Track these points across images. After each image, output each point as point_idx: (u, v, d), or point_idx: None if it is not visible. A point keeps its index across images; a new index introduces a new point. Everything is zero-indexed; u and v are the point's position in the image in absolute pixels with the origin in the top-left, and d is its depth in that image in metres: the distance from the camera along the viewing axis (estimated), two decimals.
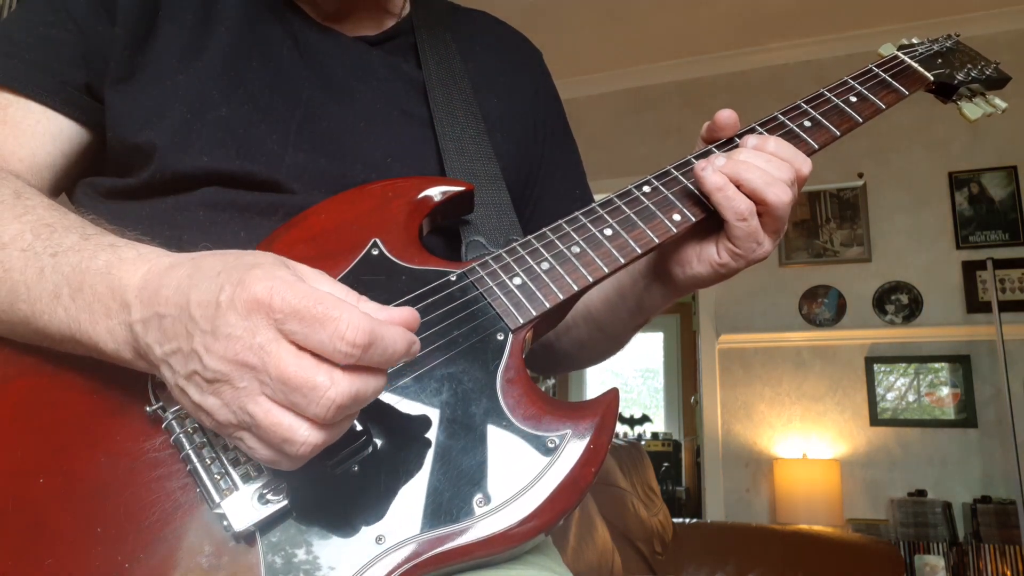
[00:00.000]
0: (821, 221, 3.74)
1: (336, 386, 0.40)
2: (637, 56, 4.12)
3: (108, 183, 0.68)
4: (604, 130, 4.12)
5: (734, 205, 0.60)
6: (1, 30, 0.68)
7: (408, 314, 0.45)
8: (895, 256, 3.60)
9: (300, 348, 0.41)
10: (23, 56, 0.66)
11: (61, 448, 0.49)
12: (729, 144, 0.68)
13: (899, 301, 3.55)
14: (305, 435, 0.41)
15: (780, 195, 0.60)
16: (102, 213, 0.59)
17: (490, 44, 0.87)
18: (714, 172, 0.61)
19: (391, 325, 0.43)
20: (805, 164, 0.63)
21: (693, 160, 0.67)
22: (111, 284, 0.47)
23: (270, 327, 0.41)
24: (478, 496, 0.49)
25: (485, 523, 0.48)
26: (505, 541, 0.48)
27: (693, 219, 0.63)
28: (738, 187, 0.61)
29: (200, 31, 0.70)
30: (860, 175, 3.70)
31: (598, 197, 0.68)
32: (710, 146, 0.68)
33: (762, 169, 0.60)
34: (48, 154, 0.66)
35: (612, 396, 0.55)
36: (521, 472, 0.50)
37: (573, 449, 0.52)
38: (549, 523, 0.49)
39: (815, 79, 3.82)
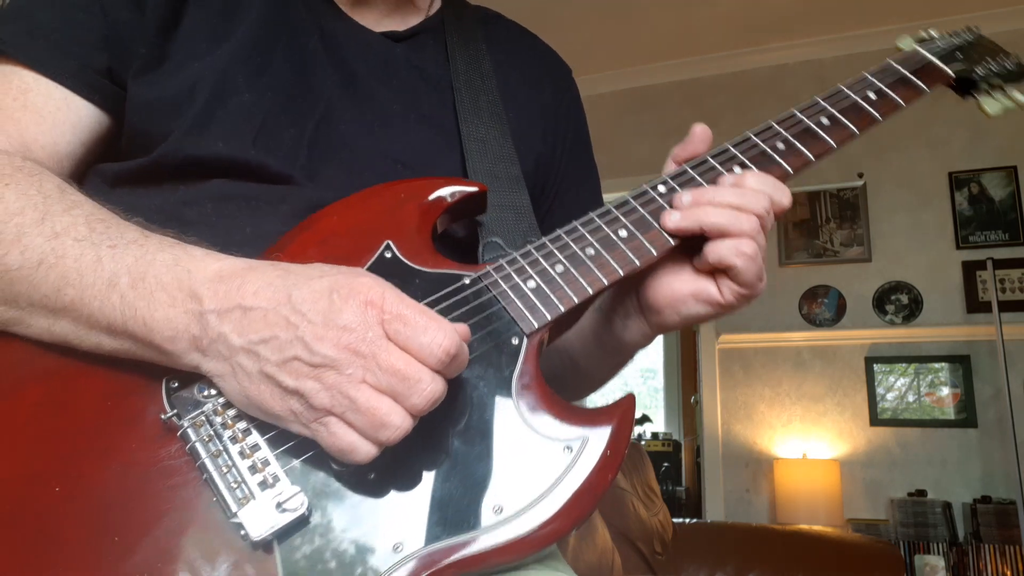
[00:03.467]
0: (821, 221, 3.74)
1: (435, 382, 0.46)
2: (637, 56, 4.12)
3: (115, 168, 0.66)
4: (604, 130, 4.10)
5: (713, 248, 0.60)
6: (24, 7, 0.66)
7: (465, 331, 0.50)
8: (895, 256, 3.60)
9: (401, 348, 0.46)
10: (47, 37, 0.64)
11: (76, 455, 0.48)
12: (705, 163, 0.65)
13: (899, 301, 3.55)
14: (399, 421, 0.45)
15: (745, 227, 0.58)
16: (112, 202, 0.59)
17: (519, 54, 0.86)
18: (682, 220, 0.60)
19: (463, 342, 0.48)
20: (784, 196, 0.61)
21: (710, 158, 0.65)
22: (178, 275, 0.49)
23: (379, 324, 0.46)
24: (495, 503, 0.49)
25: (502, 530, 0.48)
26: (522, 548, 0.48)
27: None
28: (703, 232, 0.60)
29: (227, 15, 0.69)
30: (860, 175, 3.70)
31: (613, 196, 0.66)
32: (684, 166, 0.66)
33: (729, 207, 0.59)
34: (68, 143, 0.64)
35: (628, 401, 0.54)
36: (538, 478, 0.50)
37: (590, 455, 0.51)
38: (565, 529, 0.49)
39: (815, 79, 3.82)
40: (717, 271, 0.62)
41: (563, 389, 0.84)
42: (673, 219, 0.61)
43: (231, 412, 0.50)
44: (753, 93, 3.97)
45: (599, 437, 0.52)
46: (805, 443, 3.56)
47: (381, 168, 0.69)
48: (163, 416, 0.49)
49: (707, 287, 0.63)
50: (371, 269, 0.58)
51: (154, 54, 0.66)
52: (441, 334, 0.46)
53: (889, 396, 3.49)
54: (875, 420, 3.49)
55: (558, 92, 0.87)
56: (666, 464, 6.26)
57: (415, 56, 0.76)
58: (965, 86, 0.78)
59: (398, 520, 0.48)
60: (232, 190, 0.64)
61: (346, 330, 0.45)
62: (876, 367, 3.53)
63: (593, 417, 0.53)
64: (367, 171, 0.68)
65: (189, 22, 0.68)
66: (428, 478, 0.50)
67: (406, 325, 0.46)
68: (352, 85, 0.71)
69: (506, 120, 0.76)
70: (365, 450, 0.46)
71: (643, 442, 6.51)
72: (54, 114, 0.63)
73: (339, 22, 0.74)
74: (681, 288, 0.64)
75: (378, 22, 0.76)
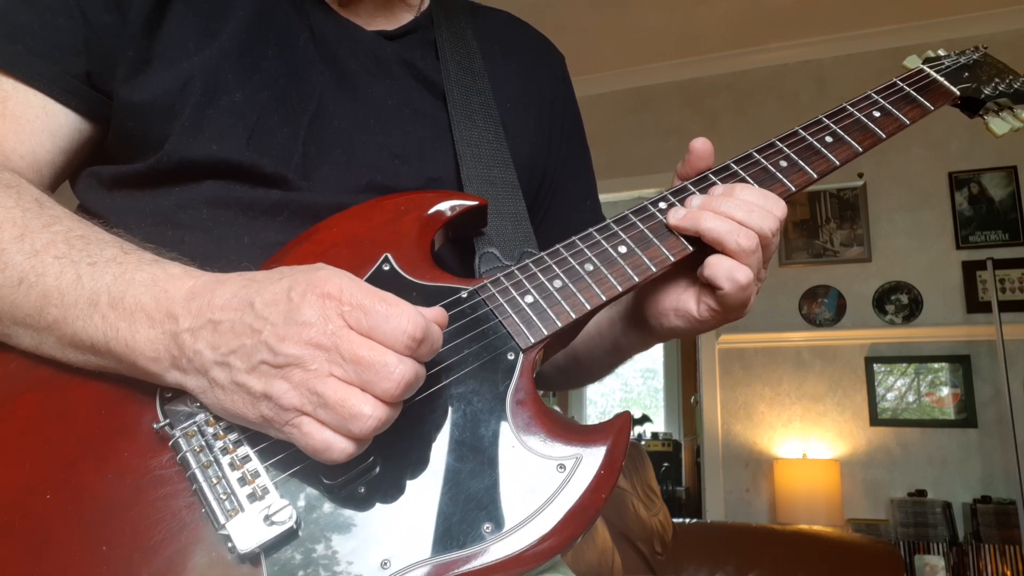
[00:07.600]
0: (821, 221, 3.74)
1: (403, 364, 0.45)
2: (637, 56, 4.12)
3: (112, 171, 0.66)
4: (604, 130, 4.12)
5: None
6: (1, 13, 0.65)
7: (440, 314, 0.50)
8: (895, 256, 3.60)
9: (365, 336, 0.45)
10: (25, 43, 0.63)
11: (69, 464, 0.48)
12: (708, 181, 0.66)
13: (899, 301, 3.55)
14: (371, 411, 0.44)
15: (742, 242, 0.58)
16: (106, 207, 0.59)
17: (511, 45, 0.85)
18: (683, 219, 0.61)
19: (432, 323, 0.48)
20: (779, 208, 0.61)
21: (711, 175, 0.65)
22: (156, 295, 0.49)
23: (339, 317, 0.45)
24: (486, 521, 0.48)
25: (493, 549, 0.47)
26: (513, 566, 0.47)
27: None
28: (700, 236, 0.60)
29: (214, 14, 0.68)
30: (860, 175, 3.69)
31: (613, 210, 0.66)
32: (686, 183, 0.66)
33: (730, 217, 0.59)
34: (48, 151, 0.64)
35: (623, 420, 0.54)
36: (531, 497, 0.49)
37: (584, 474, 0.50)
38: (558, 549, 0.48)
39: (815, 79, 3.82)
40: (703, 288, 0.63)
41: (563, 379, 0.86)
42: (676, 216, 0.62)
43: (223, 423, 0.50)
44: (753, 93, 3.96)
45: (593, 456, 0.51)
46: (805, 443, 3.56)
47: (375, 161, 0.69)
48: (155, 426, 0.49)
49: (687, 303, 0.64)
50: (369, 281, 0.58)
51: (140, 56, 0.65)
52: (404, 319, 0.45)
53: (889, 396, 3.49)
54: (875, 420, 3.49)
55: (554, 82, 0.86)
56: (666, 464, 6.26)
57: (406, 54, 0.75)
58: (972, 105, 0.78)
59: (387, 536, 0.47)
60: (227, 193, 0.64)
61: (306, 325, 0.45)
62: (876, 367, 3.53)
63: (587, 435, 0.52)
64: (362, 165, 0.68)
65: (174, 22, 0.66)
66: (418, 494, 0.49)
67: (367, 314, 0.45)
68: (344, 82, 0.70)
69: (499, 119, 0.75)
70: (341, 447, 0.45)
71: (643, 442, 6.51)
72: (32, 122, 0.63)
73: (329, 20, 0.73)
74: (664, 302, 0.65)
75: (368, 20, 0.75)
